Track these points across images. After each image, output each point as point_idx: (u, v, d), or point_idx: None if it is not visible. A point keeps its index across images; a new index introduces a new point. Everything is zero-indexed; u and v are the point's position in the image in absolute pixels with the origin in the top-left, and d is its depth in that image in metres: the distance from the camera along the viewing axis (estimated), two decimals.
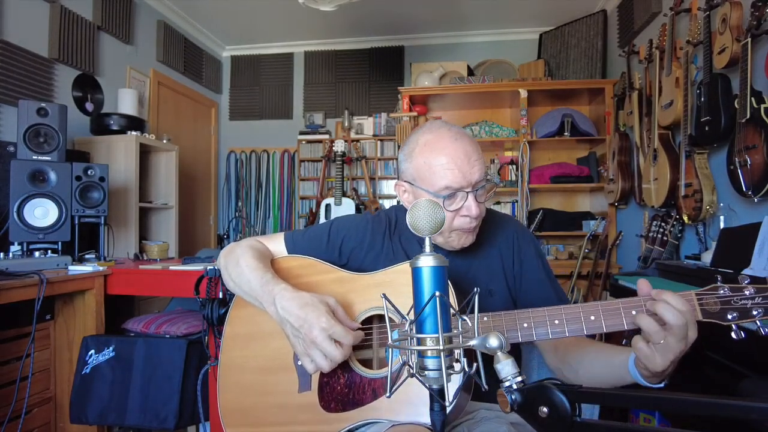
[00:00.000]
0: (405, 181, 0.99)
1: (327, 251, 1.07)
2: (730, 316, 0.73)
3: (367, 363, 0.94)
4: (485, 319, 0.84)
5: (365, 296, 0.95)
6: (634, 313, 0.78)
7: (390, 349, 0.61)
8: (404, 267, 0.94)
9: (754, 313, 0.72)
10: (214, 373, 1.77)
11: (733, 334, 0.73)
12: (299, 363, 0.94)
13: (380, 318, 0.98)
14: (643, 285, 0.79)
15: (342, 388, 0.90)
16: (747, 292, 0.73)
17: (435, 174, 0.91)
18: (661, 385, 0.78)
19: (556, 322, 0.81)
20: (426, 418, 0.81)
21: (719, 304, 0.74)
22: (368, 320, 0.95)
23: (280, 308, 0.86)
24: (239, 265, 0.99)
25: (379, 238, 1.07)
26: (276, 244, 1.10)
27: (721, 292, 0.74)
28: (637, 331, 0.76)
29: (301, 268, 1.03)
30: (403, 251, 1.05)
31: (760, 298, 0.72)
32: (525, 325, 0.82)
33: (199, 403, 1.75)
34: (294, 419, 0.91)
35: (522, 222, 3.61)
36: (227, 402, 0.98)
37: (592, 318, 0.80)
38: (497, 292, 1.02)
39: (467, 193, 0.91)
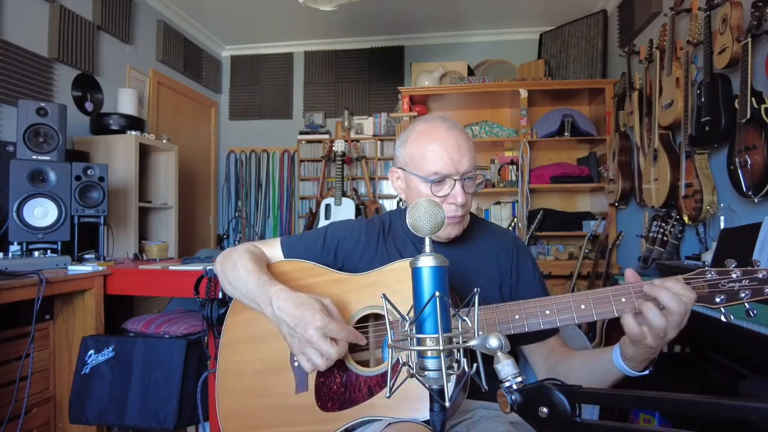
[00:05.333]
0: (399, 168, 1.05)
1: (322, 255, 1.08)
2: (718, 299, 0.74)
3: (363, 362, 0.94)
4: None
5: (360, 296, 0.96)
6: (623, 300, 0.79)
7: (389, 349, 0.60)
8: (396, 266, 0.96)
9: (742, 295, 0.73)
10: (213, 374, 1.77)
11: (722, 317, 0.74)
12: (296, 364, 0.95)
13: (375, 317, 0.99)
14: (629, 274, 0.81)
15: (338, 387, 0.90)
16: (734, 275, 0.74)
17: (426, 160, 0.96)
18: (646, 372, 0.81)
19: (547, 312, 0.83)
20: (422, 414, 0.82)
21: (707, 288, 0.75)
22: (363, 319, 0.96)
23: (277, 308, 0.87)
24: (236, 267, 1.00)
25: (374, 241, 1.09)
26: (272, 248, 1.11)
27: (709, 276, 0.75)
28: None
29: (296, 272, 1.04)
30: (398, 252, 1.06)
31: (747, 281, 0.73)
32: (516, 316, 0.84)
33: (198, 403, 1.75)
34: (292, 420, 0.92)
35: (522, 222, 3.61)
36: (226, 407, 0.99)
37: (582, 307, 0.81)
38: (493, 300, 1.03)
39: (455, 180, 0.95)
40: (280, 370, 0.96)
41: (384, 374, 0.88)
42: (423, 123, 1.01)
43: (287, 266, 1.06)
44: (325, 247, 1.09)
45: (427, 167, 0.96)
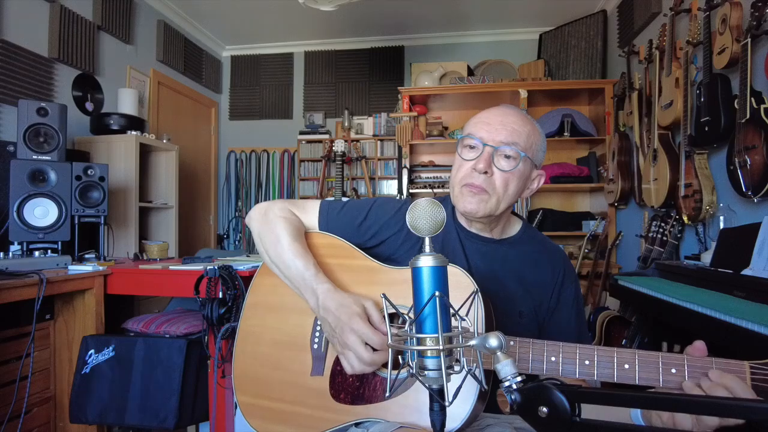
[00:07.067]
0: None
1: (357, 233, 1.06)
2: None
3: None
4: (511, 343, 0.80)
5: (391, 291, 0.93)
6: (673, 371, 0.71)
7: (389, 350, 0.60)
8: None
9: None
10: (213, 372, 1.77)
11: None
12: (315, 346, 0.95)
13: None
14: (699, 348, 0.73)
15: (354, 381, 0.90)
16: None
17: (469, 123, 1.00)
18: None
19: (587, 362, 0.76)
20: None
21: None
22: (392, 316, 0.94)
23: (322, 308, 0.88)
24: (280, 243, 0.98)
25: None
26: (309, 216, 1.09)
27: None
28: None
29: (328, 248, 1.02)
30: (441, 246, 1.03)
31: None
32: (553, 359, 0.78)
33: (213, 400, 1.75)
34: (302, 401, 0.92)
35: None
36: (241, 369, 1.00)
37: (626, 366, 0.74)
38: (526, 315, 1.00)
39: (484, 146, 0.94)
40: (299, 347, 0.96)
41: (400, 380, 0.87)
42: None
43: (320, 239, 1.04)
44: (363, 227, 1.06)
45: (465, 129, 0.99)
